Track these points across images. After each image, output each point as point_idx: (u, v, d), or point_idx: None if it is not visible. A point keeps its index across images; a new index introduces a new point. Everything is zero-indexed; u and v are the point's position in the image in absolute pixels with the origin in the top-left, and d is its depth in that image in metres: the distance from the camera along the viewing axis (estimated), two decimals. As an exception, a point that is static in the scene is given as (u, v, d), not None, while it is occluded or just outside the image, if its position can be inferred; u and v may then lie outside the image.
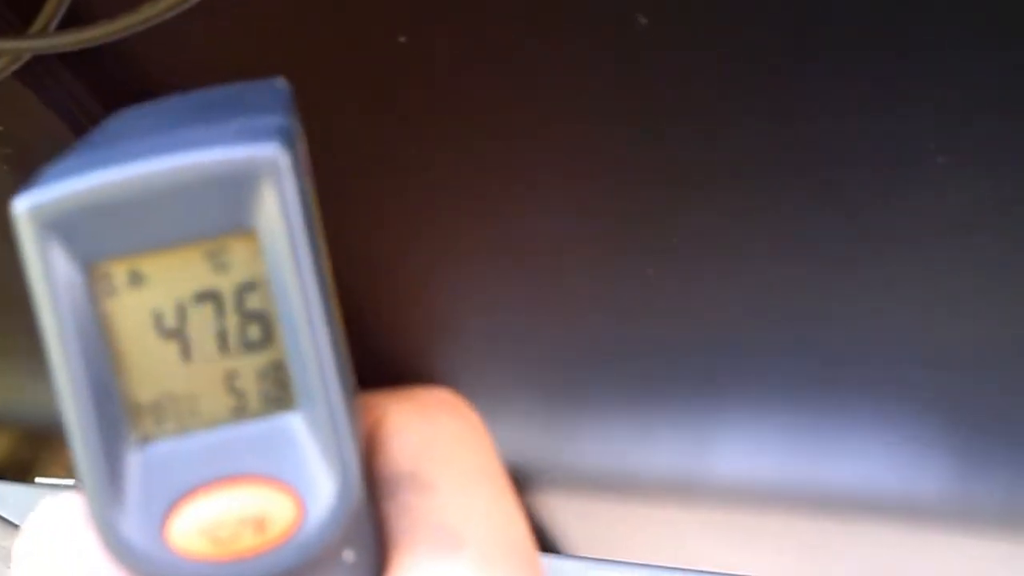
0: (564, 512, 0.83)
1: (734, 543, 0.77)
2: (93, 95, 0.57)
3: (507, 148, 0.55)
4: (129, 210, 0.23)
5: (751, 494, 0.74)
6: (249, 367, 0.24)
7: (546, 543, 0.86)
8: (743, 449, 0.72)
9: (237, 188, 0.23)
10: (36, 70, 0.54)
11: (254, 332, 0.24)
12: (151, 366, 0.24)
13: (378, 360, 0.72)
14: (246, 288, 0.23)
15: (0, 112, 0.56)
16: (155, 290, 0.23)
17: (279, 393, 0.24)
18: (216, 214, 0.23)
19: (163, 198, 0.23)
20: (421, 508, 0.24)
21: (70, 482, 1.01)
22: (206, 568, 0.23)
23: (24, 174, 0.60)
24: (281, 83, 0.27)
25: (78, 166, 0.23)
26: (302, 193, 0.23)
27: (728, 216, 0.56)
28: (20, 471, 1.03)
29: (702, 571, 0.74)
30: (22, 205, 0.23)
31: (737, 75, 0.49)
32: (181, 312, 0.23)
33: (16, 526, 0.97)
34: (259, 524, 0.23)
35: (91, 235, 0.23)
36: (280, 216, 0.23)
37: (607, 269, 0.61)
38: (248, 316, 0.24)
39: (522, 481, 0.82)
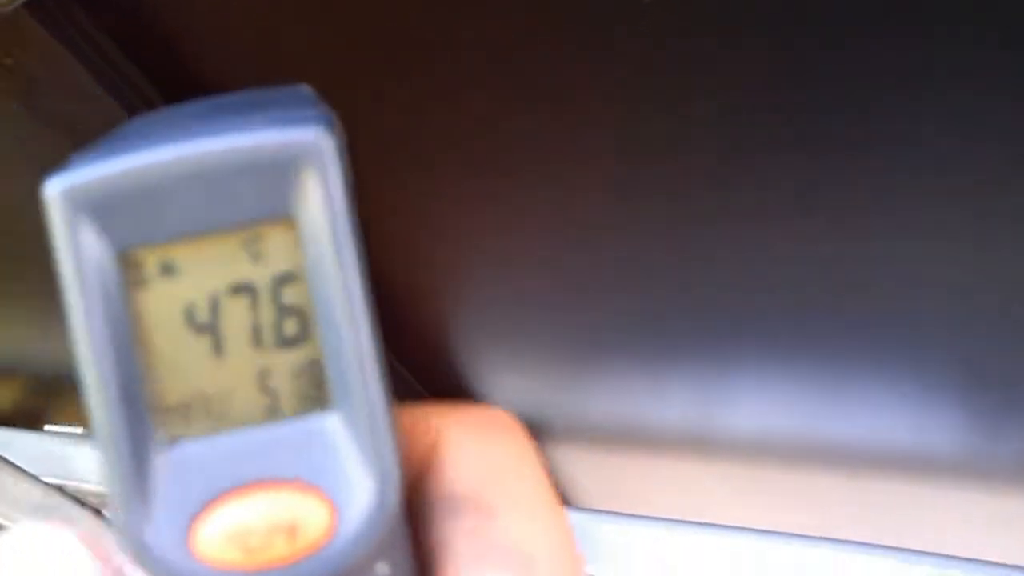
0: (578, 465, 0.83)
1: (747, 497, 0.77)
2: (106, 33, 0.56)
3: (523, 116, 0.55)
4: (163, 195, 0.22)
5: (765, 449, 0.74)
6: (284, 364, 0.23)
7: (559, 496, 0.86)
8: (757, 404, 0.72)
9: (277, 174, 0.22)
10: (48, 5, 0.53)
11: (290, 327, 0.23)
12: (182, 362, 0.23)
13: (394, 319, 0.72)
14: (283, 280, 0.22)
15: (10, 46, 0.55)
16: (188, 281, 0.22)
17: (315, 393, 0.23)
18: (254, 201, 0.22)
19: (199, 183, 0.22)
20: (487, 532, 0.23)
21: (80, 430, 1.01)
22: None
23: (33, 111, 0.59)
24: (306, 89, 0.26)
25: (111, 151, 0.22)
26: (345, 182, 0.22)
27: (743, 179, 0.55)
28: (31, 419, 1.04)
29: (715, 525, 0.74)
30: (54, 188, 0.22)
31: (753, 43, 0.48)
32: (214, 305, 0.22)
33: (27, 473, 0.98)
34: (291, 531, 0.22)
35: (124, 221, 0.22)
36: (322, 204, 0.22)
37: (624, 229, 0.61)
38: (284, 310, 0.23)
39: (537, 433, 0.82)
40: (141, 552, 0.22)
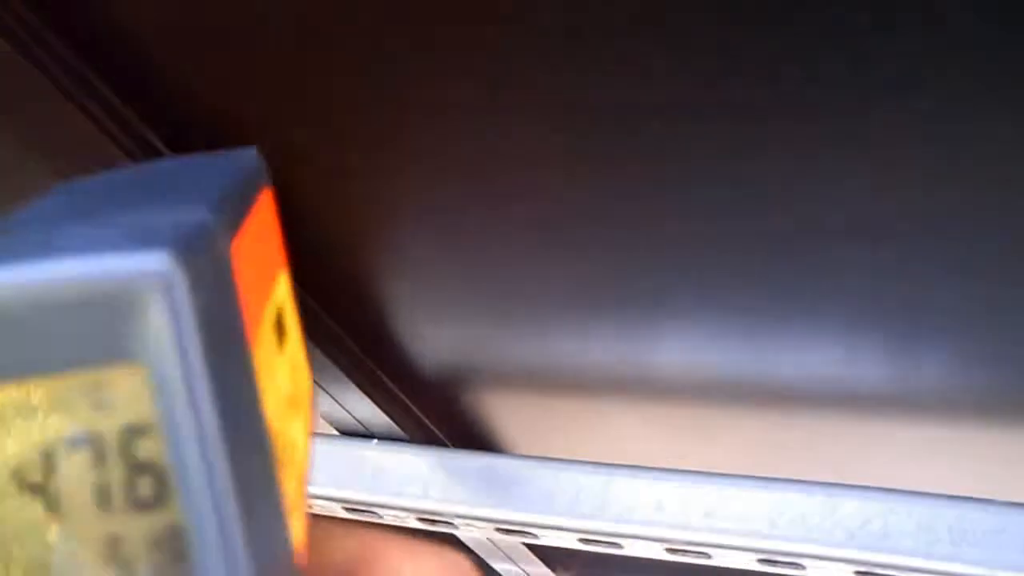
0: (505, 411, 0.82)
1: (676, 438, 0.76)
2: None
3: (472, 58, 0.53)
4: None
5: (693, 389, 0.73)
6: (137, 532, 0.19)
7: (487, 441, 0.85)
8: (684, 344, 0.71)
9: (116, 309, 0.18)
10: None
11: (145, 488, 0.19)
12: (14, 530, 0.18)
13: (321, 270, 0.70)
14: (135, 432, 0.18)
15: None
16: (19, 432, 0.18)
17: (175, 566, 0.19)
18: (97, 340, 0.18)
19: (32, 317, 0.18)
20: None
21: None
22: None
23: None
24: (251, 157, 0.23)
25: None
26: (209, 313, 0.18)
27: (667, 130, 0.54)
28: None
29: (644, 467, 0.74)
30: None
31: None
32: (50, 461, 0.18)
33: None
34: None
35: None
36: (172, 347, 0.18)
37: (547, 177, 0.59)
38: (137, 468, 0.19)
39: (464, 381, 0.80)
40: None
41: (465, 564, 0.23)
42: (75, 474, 0.18)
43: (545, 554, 1.02)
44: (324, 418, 0.82)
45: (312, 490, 0.81)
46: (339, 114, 0.59)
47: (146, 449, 0.18)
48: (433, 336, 0.77)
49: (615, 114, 0.55)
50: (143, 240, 0.18)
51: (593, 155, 0.58)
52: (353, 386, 0.78)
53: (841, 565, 0.68)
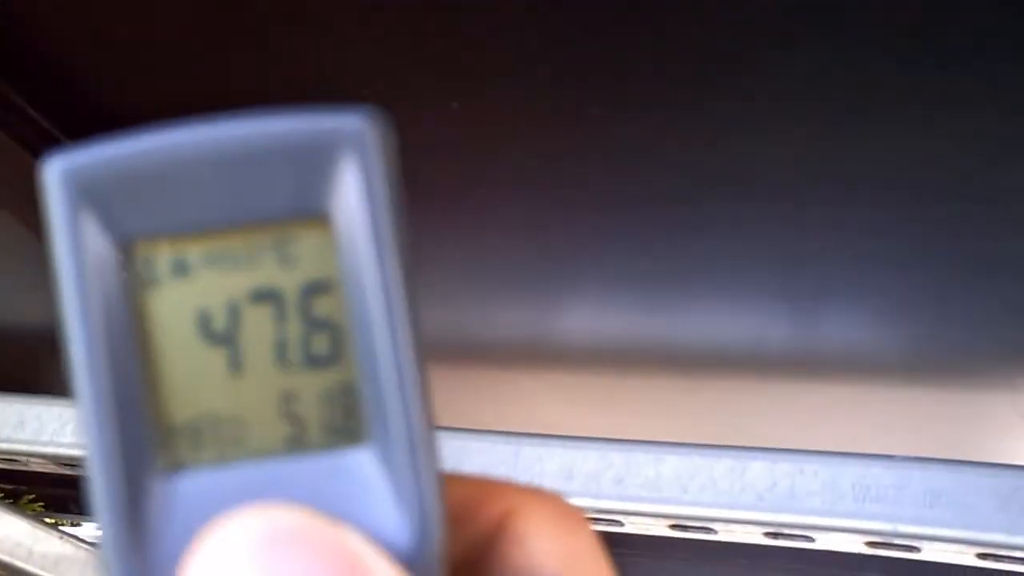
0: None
1: (585, 406, 0.76)
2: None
3: None
4: (179, 182, 0.18)
5: (599, 356, 0.73)
6: (311, 388, 0.19)
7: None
8: (590, 312, 0.71)
9: (311, 163, 0.19)
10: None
11: (320, 345, 0.19)
12: (191, 377, 0.19)
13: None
14: (314, 289, 0.19)
15: None
16: (204, 283, 0.19)
17: (346, 422, 0.19)
18: (284, 195, 0.19)
19: (221, 170, 0.18)
20: None
21: None
22: None
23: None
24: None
25: (120, 137, 0.18)
26: (391, 180, 0.19)
27: (574, 95, 0.53)
28: None
29: (553, 435, 0.74)
30: (54, 167, 0.18)
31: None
32: (233, 313, 0.19)
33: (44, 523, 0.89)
34: None
35: (133, 209, 0.18)
36: (363, 202, 0.19)
37: (453, 140, 0.58)
38: (315, 324, 0.19)
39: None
40: None
41: (566, 504, 0.23)
42: (256, 327, 0.19)
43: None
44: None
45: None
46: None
47: (325, 306, 0.19)
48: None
49: (504, 77, 0.54)
50: (334, 110, 0.19)
51: (494, 131, 0.57)
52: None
53: (751, 527, 0.69)
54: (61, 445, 0.74)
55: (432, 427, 0.19)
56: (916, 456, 0.67)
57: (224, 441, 0.19)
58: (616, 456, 0.71)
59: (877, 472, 0.67)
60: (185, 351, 0.19)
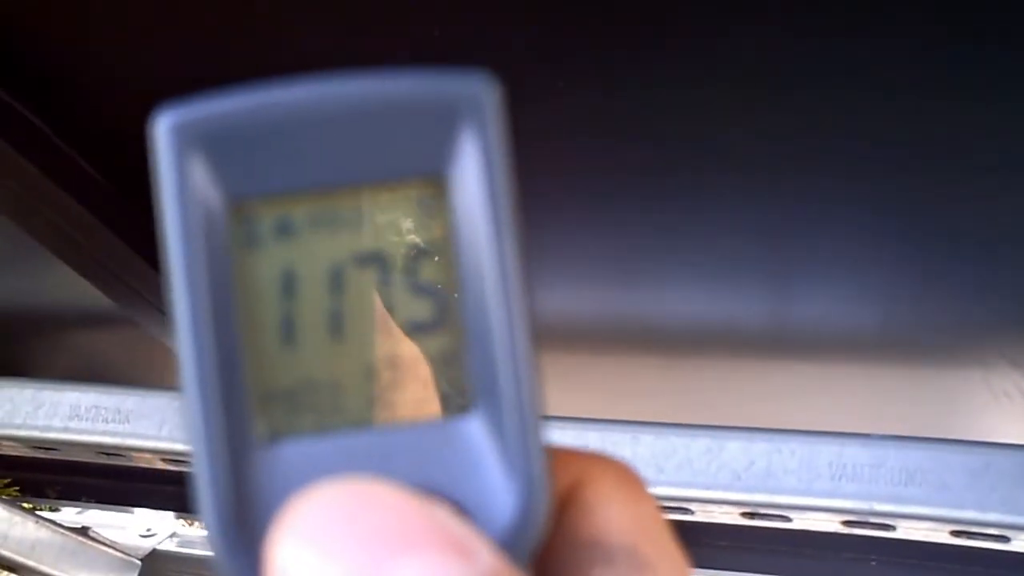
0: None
1: (560, 385, 0.76)
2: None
3: None
4: (289, 139, 0.18)
5: (575, 338, 0.73)
6: (416, 355, 0.19)
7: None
8: (564, 291, 0.71)
9: (429, 124, 0.18)
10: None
11: (426, 311, 0.19)
12: (292, 342, 0.18)
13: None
14: (421, 254, 0.19)
15: None
16: (307, 245, 0.18)
17: (452, 390, 0.19)
18: (397, 155, 0.18)
19: (333, 128, 0.18)
20: None
21: None
22: None
23: None
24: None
25: (232, 92, 0.18)
26: (506, 144, 0.18)
27: (518, 59, 0.53)
28: None
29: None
30: (166, 120, 0.18)
31: None
32: (336, 277, 0.19)
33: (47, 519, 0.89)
34: None
35: (242, 165, 0.18)
36: (482, 165, 0.18)
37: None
38: (420, 289, 0.19)
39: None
40: (231, 561, 0.18)
41: (632, 472, 0.23)
42: (359, 292, 0.19)
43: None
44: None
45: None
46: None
47: (432, 272, 0.19)
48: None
49: (477, 52, 0.53)
50: (454, 73, 0.18)
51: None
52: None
53: (728, 507, 0.69)
54: (34, 428, 0.74)
55: (541, 398, 0.19)
56: (892, 435, 0.67)
57: (323, 409, 0.19)
58: (592, 436, 0.71)
59: (853, 451, 0.67)
60: (286, 314, 0.19)
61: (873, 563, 0.86)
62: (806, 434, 0.68)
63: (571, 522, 0.22)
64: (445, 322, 0.19)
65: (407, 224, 0.19)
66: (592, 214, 0.64)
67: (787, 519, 0.69)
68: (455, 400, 0.19)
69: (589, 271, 0.69)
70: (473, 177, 0.18)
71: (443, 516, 0.17)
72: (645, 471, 0.70)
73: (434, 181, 0.18)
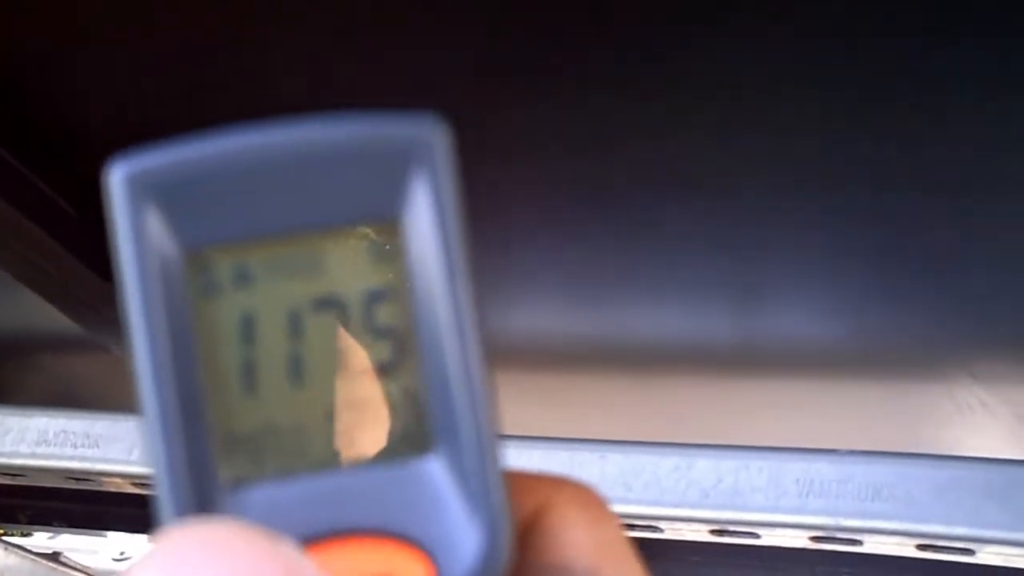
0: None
1: (528, 405, 0.76)
2: None
3: None
4: (244, 187, 0.18)
5: (543, 355, 0.73)
6: (376, 397, 0.19)
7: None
8: (532, 309, 0.71)
9: (380, 169, 0.18)
10: None
11: (384, 353, 0.19)
12: (252, 388, 0.19)
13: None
14: (377, 297, 0.19)
15: None
16: (265, 292, 0.19)
17: (411, 430, 0.19)
18: (350, 200, 0.18)
19: (287, 174, 0.18)
20: None
21: None
22: None
23: None
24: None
25: (185, 140, 0.18)
26: (457, 186, 0.19)
27: (475, 75, 0.53)
28: None
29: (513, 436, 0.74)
30: (119, 172, 0.18)
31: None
32: (295, 322, 0.19)
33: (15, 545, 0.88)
34: None
35: (196, 215, 0.18)
36: (433, 207, 0.18)
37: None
38: (378, 332, 0.19)
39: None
40: None
41: (595, 495, 0.23)
42: (317, 336, 0.19)
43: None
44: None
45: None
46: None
47: (389, 314, 0.19)
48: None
49: (442, 74, 0.54)
50: (403, 116, 0.18)
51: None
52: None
53: (697, 525, 0.69)
54: (1, 455, 0.74)
55: (498, 435, 0.19)
56: (858, 450, 0.68)
57: (286, 453, 0.19)
58: (560, 455, 0.71)
59: (821, 467, 0.68)
60: (246, 361, 0.19)
61: (846, 576, 0.86)
62: (774, 451, 0.69)
63: (534, 548, 0.22)
64: (403, 363, 0.19)
65: (363, 267, 0.19)
66: (559, 232, 0.65)
67: (755, 535, 0.70)
68: (416, 440, 0.19)
69: (555, 289, 0.69)
70: (425, 220, 0.19)
71: (294, 557, 0.17)
72: (613, 490, 0.70)
73: (388, 224, 0.19)
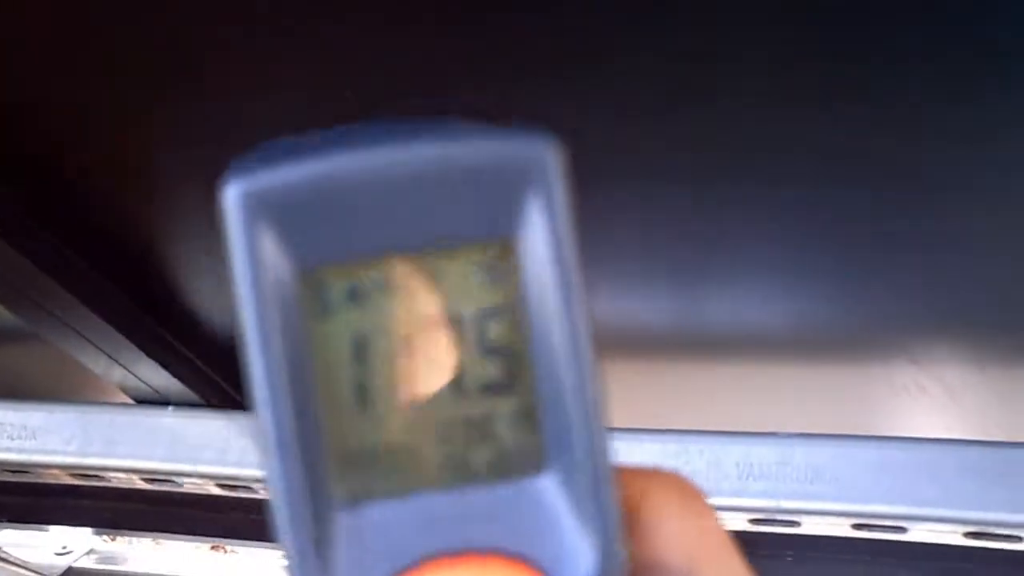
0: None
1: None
2: None
3: None
4: (360, 207, 0.18)
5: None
6: (489, 415, 0.19)
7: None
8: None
9: (495, 189, 0.18)
10: None
11: (497, 371, 0.19)
12: (366, 407, 0.19)
13: (108, 230, 0.66)
14: (491, 315, 0.19)
15: None
16: (378, 310, 0.19)
17: (525, 448, 0.19)
18: (465, 220, 0.18)
19: (403, 195, 0.18)
20: None
21: None
22: None
23: None
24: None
25: (298, 154, 0.18)
26: (570, 204, 0.19)
27: (428, 65, 0.53)
28: None
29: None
30: (234, 190, 0.18)
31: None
32: (408, 340, 0.19)
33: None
34: None
35: (310, 234, 0.18)
36: (549, 227, 0.18)
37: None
38: (491, 351, 0.19)
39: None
40: None
41: (691, 486, 0.23)
42: (431, 354, 0.19)
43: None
44: (118, 387, 0.79)
45: (110, 462, 0.77)
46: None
47: (502, 332, 0.19)
48: (223, 297, 0.75)
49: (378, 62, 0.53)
50: (519, 135, 0.18)
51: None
52: (144, 355, 0.75)
53: (637, 508, 0.70)
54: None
55: (612, 454, 0.19)
56: (798, 433, 0.69)
57: (400, 472, 0.19)
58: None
59: (761, 450, 0.69)
60: (360, 380, 0.19)
61: (789, 559, 0.87)
62: (715, 435, 0.69)
63: (634, 542, 0.22)
64: (516, 382, 0.19)
65: (476, 286, 0.19)
66: None
67: (697, 518, 0.70)
68: (529, 459, 0.19)
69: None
70: (541, 240, 0.19)
71: None
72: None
73: (501, 244, 0.19)
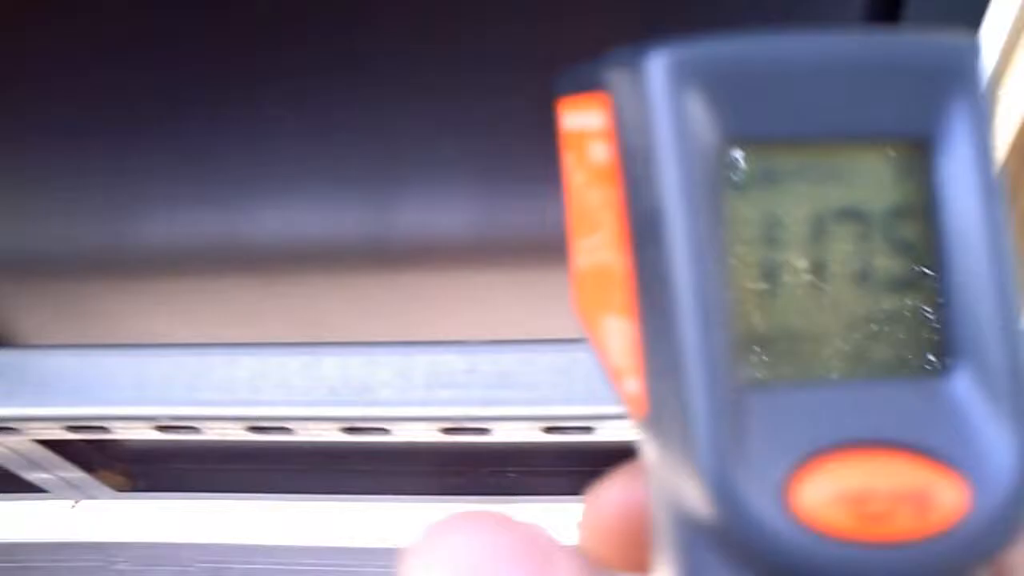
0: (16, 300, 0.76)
1: (160, 314, 0.73)
2: None
3: None
4: (784, 89, 0.18)
5: (172, 262, 0.70)
6: (893, 312, 0.19)
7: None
8: (159, 215, 0.68)
9: (921, 85, 0.18)
10: None
11: (903, 268, 0.19)
12: (772, 290, 0.19)
13: None
14: (900, 213, 0.19)
15: None
16: (790, 193, 0.19)
17: (931, 346, 0.19)
18: (884, 114, 0.18)
19: (831, 81, 0.18)
20: None
21: None
22: (848, 550, 0.17)
23: None
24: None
25: (728, 36, 0.18)
26: (991, 106, 0.19)
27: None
28: None
29: (122, 344, 0.71)
30: (660, 57, 0.18)
31: None
32: (818, 229, 0.19)
33: None
34: (919, 505, 0.18)
35: (735, 108, 0.18)
36: (972, 129, 0.18)
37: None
38: (899, 247, 0.19)
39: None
40: (729, 502, 0.18)
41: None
42: (839, 245, 0.19)
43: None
44: None
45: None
46: None
47: (910, 230, 0.19)
48: None
49: None
50: (946, 36, 0.19)
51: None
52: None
53: (326, 424, 0.69)
54: None
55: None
56: (484, 340, 0.68)
57: (803, 359, 0.19)
58: (189, 361, 0.69)
59: (449, 359, 0.68)
60: (769, 261, 0.19)
61: (511, 475, 0.88)
62: (401, 345, 0.69)
63: None
64: (923, 280, 0.19)
65: (888, 182, 0.19)
66: (187, 138, 0.62)
67: (386, 431, 0.70)
68: (936, 356, 0.19)
69: (184, 198, 0.66)
70: (963, 142, 0.18)
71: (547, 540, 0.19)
72: (243, 393, 0.68)
73: (917, 142, 0.19)
